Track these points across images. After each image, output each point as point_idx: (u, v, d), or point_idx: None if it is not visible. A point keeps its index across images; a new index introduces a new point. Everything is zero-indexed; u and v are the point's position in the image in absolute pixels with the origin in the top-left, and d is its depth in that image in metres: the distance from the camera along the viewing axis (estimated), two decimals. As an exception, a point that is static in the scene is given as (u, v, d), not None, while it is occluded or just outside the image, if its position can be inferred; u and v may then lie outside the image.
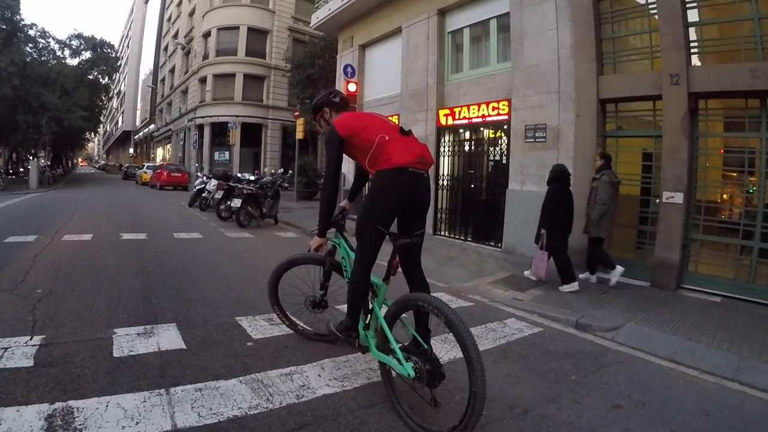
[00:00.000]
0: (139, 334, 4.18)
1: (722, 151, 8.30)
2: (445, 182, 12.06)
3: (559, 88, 9.30)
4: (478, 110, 10.99)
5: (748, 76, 6.99)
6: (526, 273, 7.82)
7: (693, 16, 7.82)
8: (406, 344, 3.00)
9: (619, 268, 7.31)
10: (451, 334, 2.61)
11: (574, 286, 7.00)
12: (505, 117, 10.33)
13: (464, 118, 11.36)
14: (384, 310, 3.17)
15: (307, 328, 4.35)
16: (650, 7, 8.33)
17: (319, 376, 3.55)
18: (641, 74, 8.45)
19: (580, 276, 7.47)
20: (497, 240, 10.58)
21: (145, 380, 3.26)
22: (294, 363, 3.76)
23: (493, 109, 10.65)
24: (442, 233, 12.14)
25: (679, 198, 7.56)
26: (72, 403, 2.86)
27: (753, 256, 7.09)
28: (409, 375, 2.76)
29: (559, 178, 7.30)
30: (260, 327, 4.60)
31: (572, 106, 9.08)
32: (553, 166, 7.61)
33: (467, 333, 2.54)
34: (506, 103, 10.36)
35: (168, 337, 4.15)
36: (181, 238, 10.06)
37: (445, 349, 3.42)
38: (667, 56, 7.79)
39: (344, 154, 3.28)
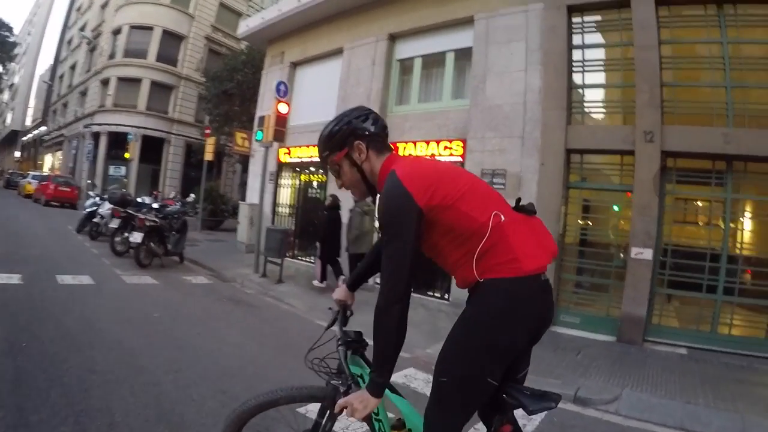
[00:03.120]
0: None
1: (688, 208, 8.55)
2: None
3: (524, 132, 8.61)
4: (427, 147, 10.01)
5: (720, 140, 7.29)
6: (314, 282, 9.80)
7: (667, 76, 7.89)
8: None
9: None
10: None
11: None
12: (459, 158, 9.43)
13: (410, 155, 10.24)
14: None
15: None
16: (626, 61, 8.24)
17: None
18: (614, 128, 8.30)
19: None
20: (443, 290, 9.65)
21: None
22: None
23: (445, 148, 9.73)
24: (377, 282, 10.76)
25: (648, 254, 7.54)
26: None
27: (716, 309, 7.38)
28: None
29: (336, 206, 9.79)
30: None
31: (537, 154, 8.45)
32: (333, 196, 9.91)
33: None
34: (460, 143, 9.51)
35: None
36: (66, 283, 7.63)
37: None
38: (642, 113, 7.74)
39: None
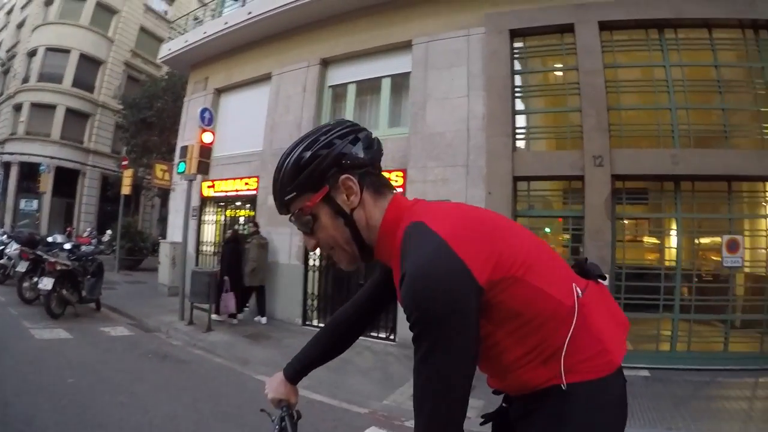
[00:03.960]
0: None
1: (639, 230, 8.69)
2: (317, 262, 10.06)
3: (468, 161, 8.14)
4: (364, 179, 9.24)
5: (669, 162, 7.40)
6: (215, 317, 9.28)
7: (612, 100, 7.88)
8: None
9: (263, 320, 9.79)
10: None
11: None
12: (399, 189, 8.75)
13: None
14: None
15: None
16: (570, 86, 8.09)
17: None
18: (562, 154, 8.07)
19: (255, 319, 9.93)
20: (388, 330, 8.89)
21: None
22: None
23: (385, 179, 8.98)
24: (314, 323, 10.00)
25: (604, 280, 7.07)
26: None
27: (674, 327, 7.45)
28: None
29: (236, 239, 10.02)
30: None
31: (483, 183, 8.03)
32: (234, 229, 10.51)
33: None
34: (400, 173, 8.90)
35: None
36: (-37, 342, 6.38)
37: None
38: (590, 137, 7.57)
39: None
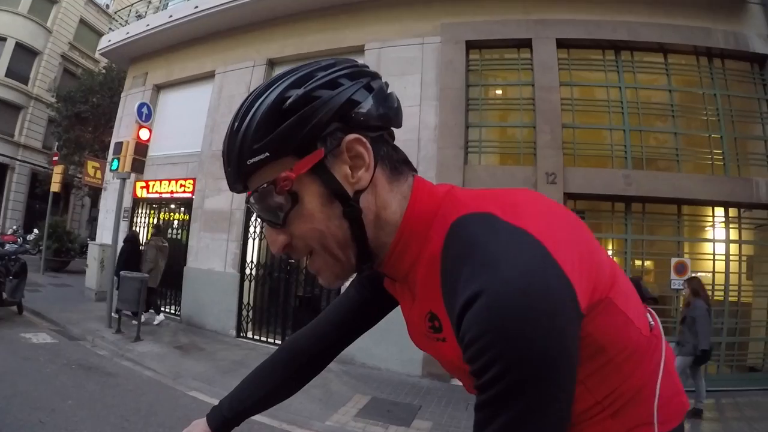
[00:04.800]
0: None
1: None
2: (254, 271, 9.51)
3: (418, 172, 7.70)
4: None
5: (622, 182, 7.38)
6: (158, 319, 9.76)
7: (567, 118, 7.80)
8: None
9: (161, 316, 9.83)
10: None
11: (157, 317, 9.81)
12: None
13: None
14: None
15: None
16: (525, 101, 7.98)
17: None
18: (514, 169, 7.95)
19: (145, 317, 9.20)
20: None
21: None
22: None
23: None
24: (249, 335, 9.43)
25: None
26: None
27: None
28: None
29: (135, 240, 9.95)
30: None
31: None
32: (133, 231, 10.65)
33: None
34: (346, 182, 8.40)
35: None
36: None
37: None
38: (544, 154, 7.45)
39: None
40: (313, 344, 1.23)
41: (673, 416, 0.93)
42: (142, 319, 8.68)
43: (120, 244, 9.53)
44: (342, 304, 1.22)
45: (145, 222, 11.80)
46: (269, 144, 0.75)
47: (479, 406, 0.68)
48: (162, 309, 10.65)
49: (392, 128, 0.87)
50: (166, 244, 10.00)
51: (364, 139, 0.78)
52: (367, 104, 0.79)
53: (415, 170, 0.90)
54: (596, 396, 0.84)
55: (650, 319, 0.95)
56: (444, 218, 0.79)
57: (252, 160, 0.77)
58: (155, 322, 9.60)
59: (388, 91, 0.86)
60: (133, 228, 11.49)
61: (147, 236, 11.52)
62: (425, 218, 0.82)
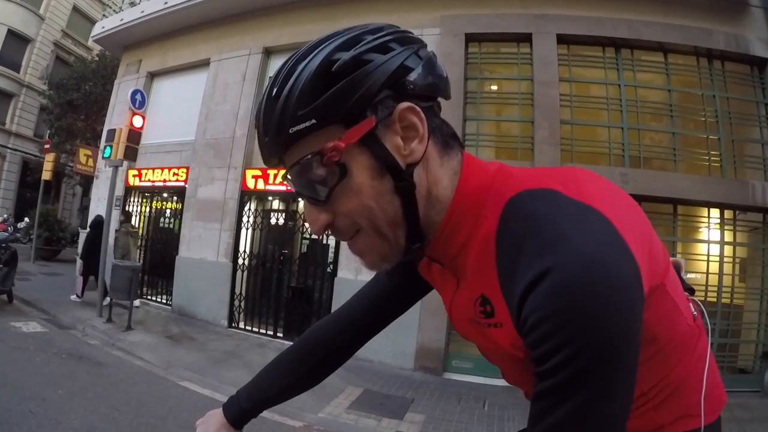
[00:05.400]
0: None
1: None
2: (247, 261, 9.43)
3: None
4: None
5: (619, 180, 7.14)
6: (72, 297, 9.85)
7: (565, 114, 7.80)
8: None
9: (137, 302, 9.62)
10: None
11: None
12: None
13: (280, 183, 8.93)
14: None
15: None
16: (523, 96, 7.96)
17: None
18: (511, 164, 7.36)
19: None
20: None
21: None
22: None
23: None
24: (240, 325, 9.36)
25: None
26: None
27: None
28: None
29: (99, 225, 9.56)
30: None
31: None
32: (99, 216, 9.98)
33: None
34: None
35: None
36: None
37: None
38: (542, 150, 7.43)
39: None
40: (339, 333, 1.17)
41: (713, 409, 0.90)
42: (106, 301, 8.77)
43: (112, 234, 9.48)
44: (373, 290, 1.16)
45: (137, 210, 11.65)
46: (315, 110, 0.69)
47: (540, 394, 0.63)
48: (151, 298, 10.58)
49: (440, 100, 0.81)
50: (137, 229, 10.50)
51: (418, 109, 0.72)
52: (418, 72, 0.73)
53: (462, 146, 0.84)
54: (642, 387, 0.81)
55: (692, 309, 0.91)
56: (499, 195, 0.74)
57: (295, 129, 0.70)
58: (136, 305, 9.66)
59: (429, 51, 0.79)
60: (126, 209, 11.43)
61: (140, 227, 11.45)
62: (478, 196, 0.77)
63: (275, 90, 0.71)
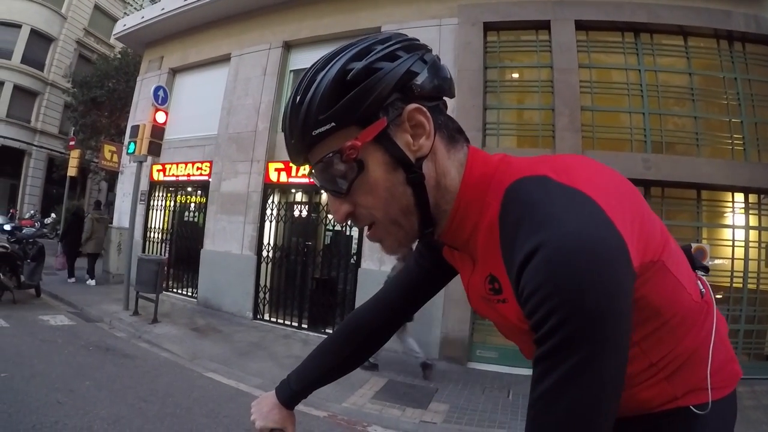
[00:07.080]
0: None
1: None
2: (271, 253, 9.55)
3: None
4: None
5: (641, 166, 7.21)
6: (88, 282, 11.21)
7: (585, 100, 7.73)
8: None
9: (92, 281, 11.26)
10: None
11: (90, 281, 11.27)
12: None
13: (303, 176, 9.04)
14: None
15: None
16: (542, 84, 7.91)
17: None
18: (532, 152, 7.70)
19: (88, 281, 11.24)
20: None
21: None
22: None
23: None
24: (265, 317, 9.49)
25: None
26: None
27: None
28: None
29: (79, 213, 12.13)
30: None
31: None
32: (78, 205, 12.59)
33: None
34: (363, 163, 8.39)
35: None
36: None
37: None
38: (562, 137, 7.40)
39: None
40: (376, 316, 1.28)
41: (726, 383, 0.99)
42: (72, 279, 11.08)
43: (138, 228, 9.73)
44: (404, 277, 1.27)
45: (161, 205, 11.86)
46: (334, 114, 0.79)
47: (538, 359, 0.70)
48: (177, 291, 10.80)
49: (446, 98, 0.91)
50: (105, 216, 12.32)
51: (424, 108, 0.82)
52: (423, 75, 0.83)
53: (468, 140, 0.93)
54: (651, 358, 0.90)
55: (701, 286, 0.98)
56: (499, 184, 0.83)
57: (317, 131, 0.81)
58: (87, 282, 11.20)
59: (434, 56, 0.89)
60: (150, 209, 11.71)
61: (165, 222, 11.68)
62: (482, 185, 0.86)
63: (298, 98, 0.82)
